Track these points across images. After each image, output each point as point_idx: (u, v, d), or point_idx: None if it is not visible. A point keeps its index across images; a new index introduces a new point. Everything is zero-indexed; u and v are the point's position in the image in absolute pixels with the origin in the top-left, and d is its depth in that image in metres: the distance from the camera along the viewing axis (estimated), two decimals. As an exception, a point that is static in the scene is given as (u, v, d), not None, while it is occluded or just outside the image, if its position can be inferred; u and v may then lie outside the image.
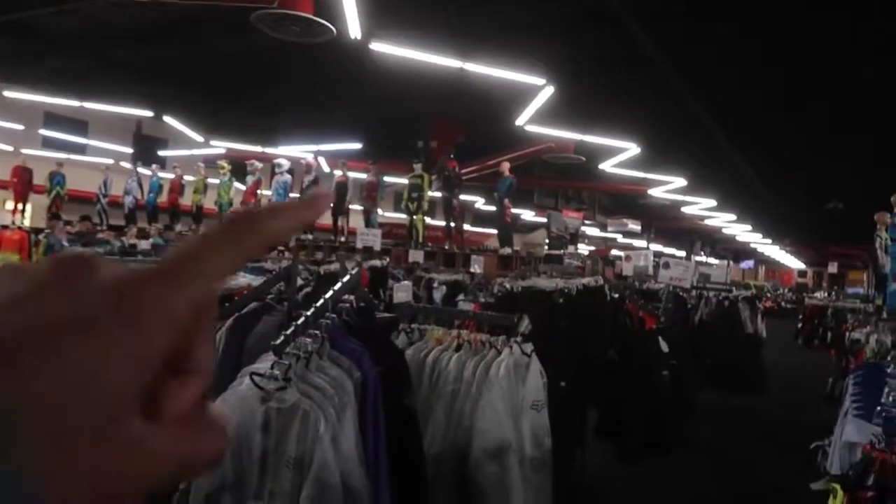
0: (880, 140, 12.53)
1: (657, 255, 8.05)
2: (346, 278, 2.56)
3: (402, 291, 3.13)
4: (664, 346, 4.41)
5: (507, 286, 4.45)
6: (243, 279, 4.52)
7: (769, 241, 30.95)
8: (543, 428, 2.71)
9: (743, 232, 27.72)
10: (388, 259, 7.31)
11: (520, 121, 11.26)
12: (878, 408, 2.08)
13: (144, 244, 7.50)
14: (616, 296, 4.68)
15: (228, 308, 2.87)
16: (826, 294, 18.46)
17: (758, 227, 26.56)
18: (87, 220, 10.63)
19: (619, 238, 27.52)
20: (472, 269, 8.92)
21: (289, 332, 2.22)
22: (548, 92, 9.28)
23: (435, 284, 8.33)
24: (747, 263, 39.12)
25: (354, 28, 7.36)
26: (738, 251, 36.16)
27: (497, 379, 2.48)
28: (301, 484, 2.02)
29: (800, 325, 16.30)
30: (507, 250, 11.67)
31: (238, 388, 2.21)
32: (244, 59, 11.98)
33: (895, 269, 7.27)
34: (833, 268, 18.51)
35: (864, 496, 1.69)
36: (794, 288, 35.97)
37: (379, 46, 7.79)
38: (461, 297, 7.99)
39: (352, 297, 2.63)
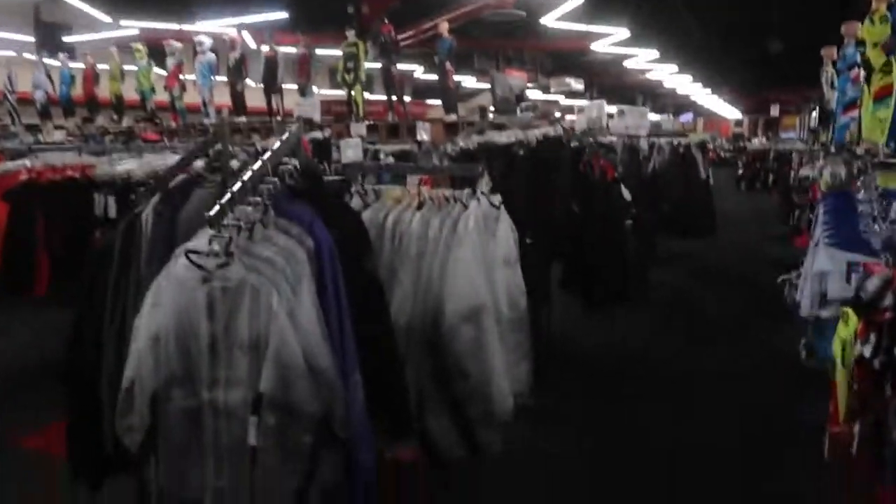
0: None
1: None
2: (284, 137, 2.21)
3: (351, 149, 2.76)
4: (626, 195, 4.23)
5: (461, 144, 4.14)
6: (172, 158, 4.08)
7: (709, 90, 30.95)
8: (518, 286, 2.52)
9: (683, 84, 27.54)
10: (329, 130, 6.85)
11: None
12: (880, 226, 1.92)
13: (58, 135, 6.82)
14: (574, 146, 4.42)
15: (152, 185, 2.50)
16: (764, 140, 18.72)
17: (698, 78, 26.37)
18: (-7, 117, 9.63)
19: (562, 100, 27.09)
20: (419, 138, 8.52)
21: (224, 200, 1.89)
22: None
23: (382, 156, 7.96)
24: (686, 117, 39.12)
25: None
26: (678, 106, 36.15)
27: (466, 233, 2.23)
28: (259, 368, 1.78)
29: (740, 171, 16.58)
30: (453, 116, 11.19)
31: (174, 270, 1.90)
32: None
33: (842, 102, 7.18)
34: (775, 110, 18.57)
35: (882, 318, 1.54)
36: (731, 138, 36.48)
37: None
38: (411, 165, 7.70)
39: (294, 161, 2.29)
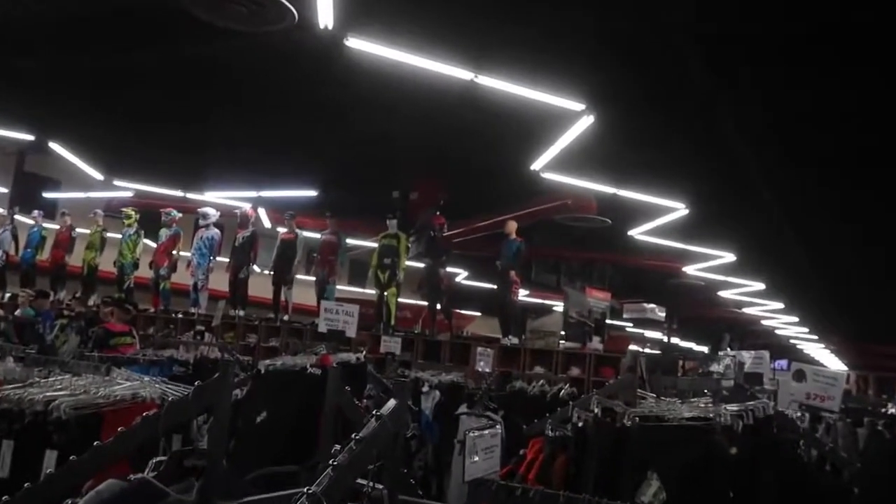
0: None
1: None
2: (365, 434, 1.13)
3: (482, 453, 1.52)
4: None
5: (595, 410, 3.01)
6: (125, 384, 3.03)
7: (815, 337, 30.07)
8: None
9: (786, 325, 26.74)
10: (364, 351, 5.86)
11: (537, 164, 10.04)
12: None
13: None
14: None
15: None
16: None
17: (805, 321, 25.60)
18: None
19: (628, 327, 26.20)
20: (478, 367, 7.49)
21: None
22: (585, 123, 8.09)
23: (424, 388, 6.92)
24: (780, 363, 38.10)
25: (325, 14, 6.11)
26: (771, 347, 35.27)
27: None
28: None
29: None
30: (514, 340, 10.26)
31: None
32: (163, 74, 10.54)
33: None
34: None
35: None
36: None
37: (358, 43, 6.53)
38: (464, 408, 6.54)
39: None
